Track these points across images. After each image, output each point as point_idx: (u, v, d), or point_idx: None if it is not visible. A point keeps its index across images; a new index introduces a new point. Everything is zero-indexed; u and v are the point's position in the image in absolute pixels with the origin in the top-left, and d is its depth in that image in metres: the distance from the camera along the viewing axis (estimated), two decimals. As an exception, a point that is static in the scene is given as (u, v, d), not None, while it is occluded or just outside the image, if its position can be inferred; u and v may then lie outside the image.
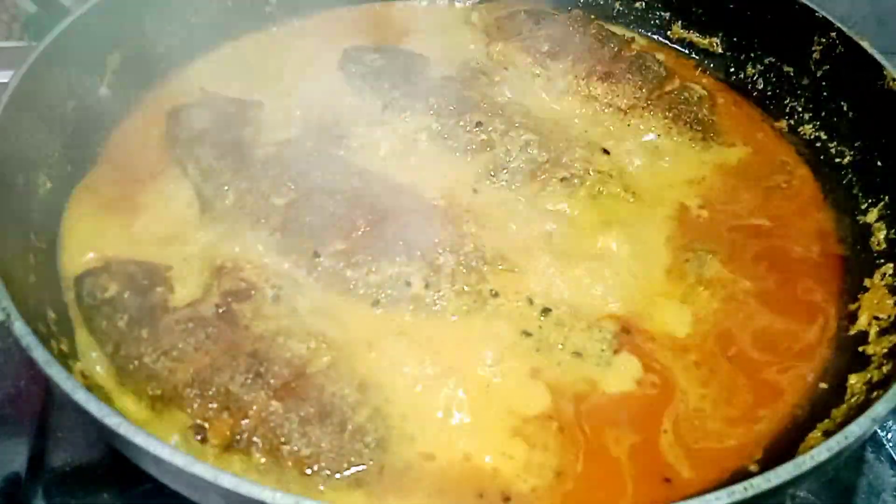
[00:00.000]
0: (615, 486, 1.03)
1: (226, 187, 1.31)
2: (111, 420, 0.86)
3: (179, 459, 0.82)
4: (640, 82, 1.57)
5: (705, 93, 1.62)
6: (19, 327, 0.94)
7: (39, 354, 0.92)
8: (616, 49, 1.63)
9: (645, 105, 1.55)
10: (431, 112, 1.49)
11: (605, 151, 1.45)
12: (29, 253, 1.17)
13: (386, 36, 1.75)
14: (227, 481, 0.80)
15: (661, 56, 1.68)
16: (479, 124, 1.45)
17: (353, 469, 1.00)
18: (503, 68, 1.63)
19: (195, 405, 1.03)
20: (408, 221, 1.27)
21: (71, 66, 1.36)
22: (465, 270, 1.22)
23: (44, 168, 1.28)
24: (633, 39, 1.68)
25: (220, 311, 1.12)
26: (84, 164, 1.38)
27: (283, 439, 1.01)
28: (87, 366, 1.10)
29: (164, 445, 0.83)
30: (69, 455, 1.18)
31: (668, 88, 1.60)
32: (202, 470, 0.81)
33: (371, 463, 1.01)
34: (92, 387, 1.05)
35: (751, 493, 0.84)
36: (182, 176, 1.38)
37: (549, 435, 1.07)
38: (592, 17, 1.72)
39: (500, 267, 1.24)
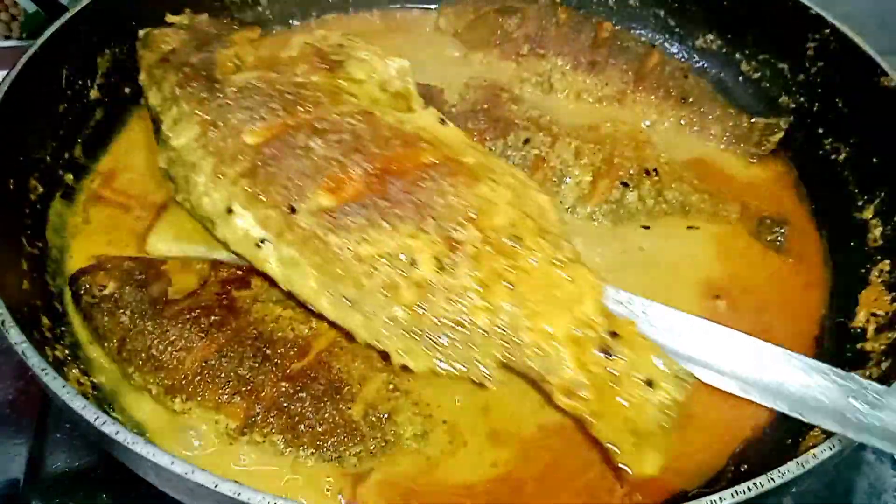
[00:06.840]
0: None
1: (185, 120, 1.10)
2: (108, 427, 0.85)
3: (178, 467, 0.81)
4: (624, 66, 1.57)
5: (688, 64, 1.63)
6: (14, 335, 0.93)
7: (35, 363, 0.91)
8: (593, 35, 1.61)
9: (633, 89, 1.56)
10: (475, 138, 1.37)
11: (646, 142, 1.43)
12: (21, 259, 1.16)
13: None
14: (228, 488, 0.80)
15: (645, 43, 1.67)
16: (527, 141, 1.40)
17: (368, 443, 1.02)
18: (501, 78, 1.59)
19: (207, 392, 1.04)
20: (421, 178, 1.00)
21: (61, 69, 1.35)
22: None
23: (35, 172, 1.27)
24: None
25: (221, 298, 1.12)
26: (77, 170, 1.37)
27: (297, 418, 1.02)
28: (87, 369, 1.10)
29: (163, 453, 0.83)
30: (68, 457, 1.19)
31: (650, 65, 1.59)
32: (202, 478, 0.81)
33: (380, 435, 1.03)
34: (88, 394, 1.04)
35: (755, 491, 0.84)
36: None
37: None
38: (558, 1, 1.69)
39: None
